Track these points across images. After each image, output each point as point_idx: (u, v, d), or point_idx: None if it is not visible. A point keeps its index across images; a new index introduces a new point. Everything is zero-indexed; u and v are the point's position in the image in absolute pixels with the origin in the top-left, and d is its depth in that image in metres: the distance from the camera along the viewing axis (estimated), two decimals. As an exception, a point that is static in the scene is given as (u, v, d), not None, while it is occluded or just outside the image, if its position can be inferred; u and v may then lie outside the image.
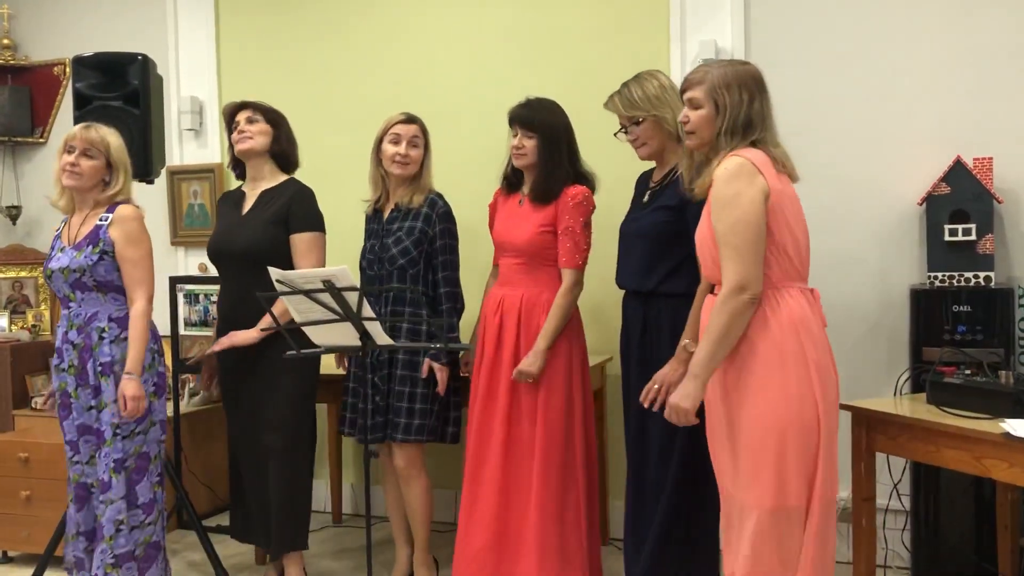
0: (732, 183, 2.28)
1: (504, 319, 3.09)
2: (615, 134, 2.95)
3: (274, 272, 2.63)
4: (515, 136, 3.07)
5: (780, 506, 2.28)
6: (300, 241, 3.19)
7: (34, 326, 4.48)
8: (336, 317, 2.63)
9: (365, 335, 2.68)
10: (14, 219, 4.89)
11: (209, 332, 3.43)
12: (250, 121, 3.25)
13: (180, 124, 4.54)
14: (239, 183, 3.44)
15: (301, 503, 3.27)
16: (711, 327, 2.29)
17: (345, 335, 2.70)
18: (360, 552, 3.75)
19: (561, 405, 3.02)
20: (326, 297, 2.58)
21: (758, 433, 2.29)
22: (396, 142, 3.23)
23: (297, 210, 3.19)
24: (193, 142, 4.58)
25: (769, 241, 2.29)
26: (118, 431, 2.91)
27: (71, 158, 2.96)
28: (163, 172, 3.76)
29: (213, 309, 3.41)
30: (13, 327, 4.49)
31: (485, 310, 3.20)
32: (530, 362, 2.98)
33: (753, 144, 2.35)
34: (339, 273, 2.56)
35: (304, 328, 2.72)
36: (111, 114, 3.33)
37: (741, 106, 2.35)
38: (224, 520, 3.42)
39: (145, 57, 3.51)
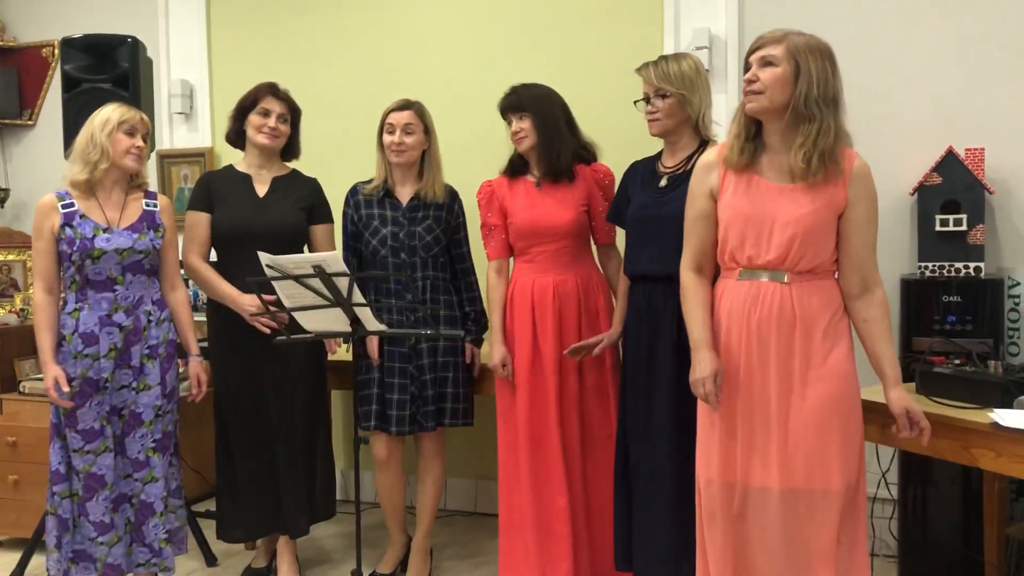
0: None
1: (564, 305, 3.06)
2: (635, 102, 2.87)
3: (264, 257, 2.62)
4: (511, 124, 3.10)
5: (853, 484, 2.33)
6: (323, 231, 3.34)
7: (22, 310, 4.45)
8: (327, 303, 2.62)
9: (355, 321, 2.67)
10: (2, 202, 4.85)
11: (200, 317, 3.39)
12: (283, 120, 3.28)
13: (170, 108, 4.51)
14: (227, 163, 3.41)
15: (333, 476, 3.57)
16: (889, 327, 2.36)
17: (334, 321, 2.69)
18: (349, 537, 3.75)
19: (611, 383, 3.09)
20: (317, 283, 2.57)
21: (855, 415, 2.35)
22: (391, 131, 3.24)
23: (320, 201, 3.36)
24: (183, 126, 4.55)
25: None
26: (158, 412, 2.96)
27: (139, 142, 2.94)
28: (153, 156, 3.74)
29: (203, 294, 3.37)
30: (1, 311, 4.46)
31: (517, 299, 3.11)
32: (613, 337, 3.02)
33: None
34: (330, 259, 2.55)
35: (294, 313, 2.71)
36: (100, 97, 3.29)
37: (827, 75, 2.17)
38: (213, 505, 3.41)
39: (135, 39, 3.48)
